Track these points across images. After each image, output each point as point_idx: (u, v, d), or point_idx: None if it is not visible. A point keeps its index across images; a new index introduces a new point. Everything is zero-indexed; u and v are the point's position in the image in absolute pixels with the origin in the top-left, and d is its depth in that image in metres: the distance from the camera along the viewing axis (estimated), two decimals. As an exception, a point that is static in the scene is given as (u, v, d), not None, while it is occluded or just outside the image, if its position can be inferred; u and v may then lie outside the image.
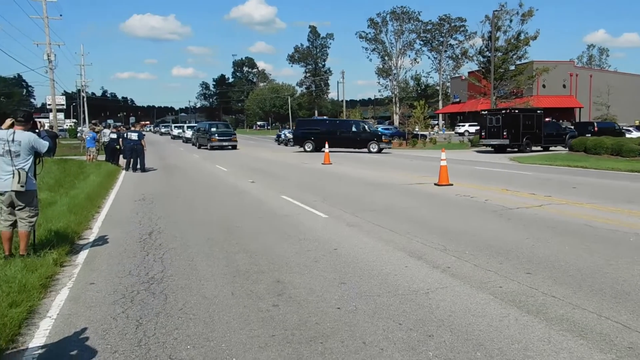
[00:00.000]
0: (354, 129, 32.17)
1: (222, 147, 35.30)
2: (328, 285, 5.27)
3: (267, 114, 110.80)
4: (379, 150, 30.96)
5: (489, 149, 31.47)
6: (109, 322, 4.37)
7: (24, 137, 6.08)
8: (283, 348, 3.82)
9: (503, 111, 30.96)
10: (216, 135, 35.87)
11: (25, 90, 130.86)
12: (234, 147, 35.88)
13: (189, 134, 48.99)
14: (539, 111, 32.07)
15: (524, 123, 30.08)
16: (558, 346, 3.78)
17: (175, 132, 60.08)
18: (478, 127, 55.40)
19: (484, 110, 33.19)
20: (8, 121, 6.14)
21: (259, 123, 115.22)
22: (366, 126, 33.24)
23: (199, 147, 37.77)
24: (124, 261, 6.38)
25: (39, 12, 37.68)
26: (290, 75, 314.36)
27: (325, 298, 4.89)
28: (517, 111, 31.33)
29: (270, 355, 3.72)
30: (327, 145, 23.67)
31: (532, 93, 52.25)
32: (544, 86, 56.34)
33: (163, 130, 79.48)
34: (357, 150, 31.49)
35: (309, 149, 31.45)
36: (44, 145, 6.24)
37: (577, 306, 4.57)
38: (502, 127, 29.51)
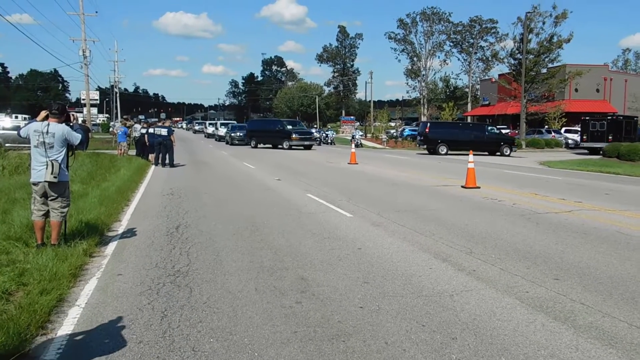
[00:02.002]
0: (487, 132, 32.31)
1: (300, 147, 33.67)
2: (351, 284, 5.26)
3: (295, 112, 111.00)
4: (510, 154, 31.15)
5: (584, 151, 33.44)
6: (135, 313, 4.45)
7: (58, 129, 6.23)
8: (305, 345, 3.83)
9: (609, 117, 33.54)
10: (296, 134, 33.90)
11: (61, 85, 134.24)
12: (309, 147, 34.10)
13: (222, 131, 46.17)
14: (635, 118, 34.69)
15: (625, 129, 32.34)
16: (586, 354, 3.69)
17: (210, 129, 56.02)
18: (507, 131, 54.59)
19: (587, 116, 35.26)
20: (43, 113, 6.30)
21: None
22: (497, 130, 33.68)
23: (255, 147, 35.40)
24: (151, 254, 6.49)
25: (75, 8, 38.39)
26: (319, 75, 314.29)
27: (348, 297, 4.88)
28: (621, 118, 33.89)
29: (292, 351, 3.72)
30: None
31: (564, 97, 51.11)
32: (576, 90, 54.96)
33: (197, 127, 75.49)
34: (486, 153, 30.97)
35: (442, 152, 30.67)
36: (76, 137, 6.38)
37: (607, 314, 4.46)
38: (607, 131, 32.14)
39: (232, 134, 39.64)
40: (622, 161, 24.66)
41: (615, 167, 21.44)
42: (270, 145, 35.57)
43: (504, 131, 53.58)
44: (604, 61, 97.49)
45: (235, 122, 58.30)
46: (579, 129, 42.10)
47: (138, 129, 24.86)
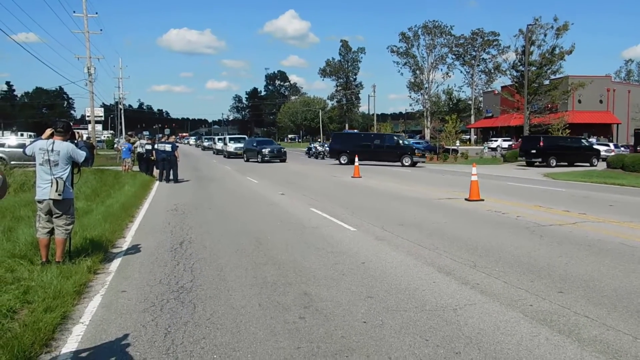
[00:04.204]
0: (582, 144, 34.77)
1: (412, 164, 32.00)
2: (355, 299, 5.25)
3: (299, 126, 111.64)
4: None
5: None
6: (139, 330, 4.46)
7: (63, 147, 6.29)
8: (308, 360, 3.82)
9: None
10: (419, 149, 33.53)
11: (66, 102, 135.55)
12: (415, 164, 32.21)
13: (231, 147, 41.76)
14: None
15: None
16: (590, 368, 3.67)
17: (219, 145, 49.51)
18: (510, 143, 54.63)
19: (639, 129, 37.83)
20: (48, 131, 6.38)
21: (290, 136, 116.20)
22: (588, 143, 35.95)
23: (346, 163, 31.56)
24: (155, 270, 6.50)
25: (80, 27, 38.75)
26: (322, 89, 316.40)
27: (351, 311, 4.88)
28: None
29: (296, 367, 3.72)
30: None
31: (567, 108, 51.14)
32: (579, 101, 55.13)
33: (206, 143, 67.69)
34: (583, 164, 32.31)
35: (552, 164, 31.76)
36: (81, 155, 6.44)
37: (611, 327, 4.44)
38: None
39: (263, 150, 35.17)
40: (627, 172, 24.57)
41: (620, 178, 21.37)
42: (349, 161, 32.21)
43: (506, 143, 54.08)
44: (606, 72, 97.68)
45: (246, 136, 55.75)
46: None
47: (143, 144, 24.98)
